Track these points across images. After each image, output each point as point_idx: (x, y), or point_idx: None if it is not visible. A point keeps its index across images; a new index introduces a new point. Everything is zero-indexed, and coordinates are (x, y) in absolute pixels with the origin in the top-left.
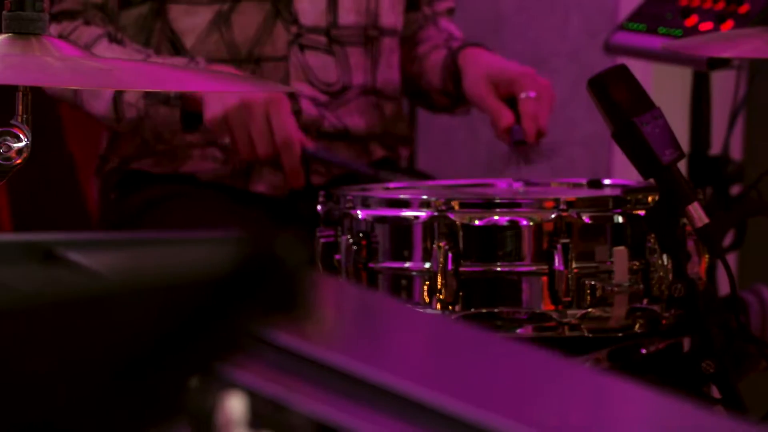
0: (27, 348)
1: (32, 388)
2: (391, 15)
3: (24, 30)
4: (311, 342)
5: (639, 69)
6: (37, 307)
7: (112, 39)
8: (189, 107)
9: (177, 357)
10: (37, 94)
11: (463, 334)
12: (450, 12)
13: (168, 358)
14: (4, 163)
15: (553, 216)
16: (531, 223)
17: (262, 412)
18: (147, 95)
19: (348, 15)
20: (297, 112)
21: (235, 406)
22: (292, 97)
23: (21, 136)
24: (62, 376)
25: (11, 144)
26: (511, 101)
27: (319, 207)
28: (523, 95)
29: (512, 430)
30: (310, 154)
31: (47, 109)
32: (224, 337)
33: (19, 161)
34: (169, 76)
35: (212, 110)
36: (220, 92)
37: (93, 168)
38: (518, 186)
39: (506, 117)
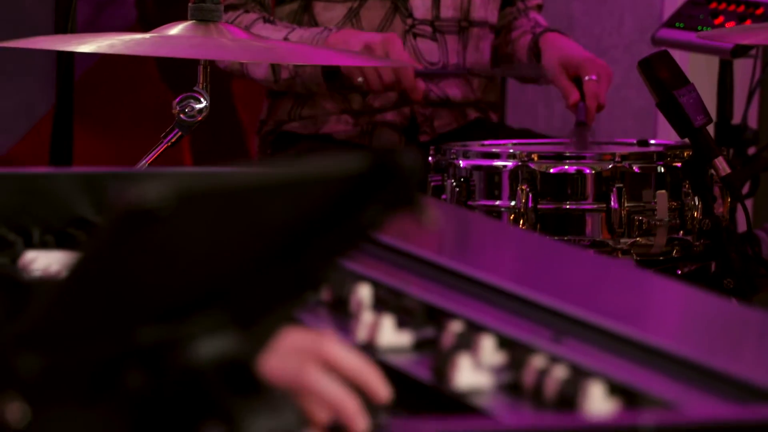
0: (208, 231)
1: (210, 264)
2: (481, 10)
3: (204, 18)
4: (422, 243)
5: (678, 57)
6: (216, 194)
7: (266, 20)
8: (330, 67)
9: (319, 244)
10: (214, 73)
11: (540, 243)
12: (539, 7)
13: (312, 244)
14: (189, 120)
15: (610, 166)
16: (593, 172)
17: (384, 298)
18: (296, 74)
19: (447, 10)
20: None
21: (363, 293)
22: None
23: (201, 99)
24: (233, 255)
25: (194, 105)
26: (578, 81)
27: (429, 158)
28: (586, 78)
29: (571, 311)
30: (421, 72)
31: (223, 86)
32: (354, 229)
33: (199, 119)
34: (313, 53)
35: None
36: (347, 41)
37: (255, 130)
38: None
39: (573, 95)
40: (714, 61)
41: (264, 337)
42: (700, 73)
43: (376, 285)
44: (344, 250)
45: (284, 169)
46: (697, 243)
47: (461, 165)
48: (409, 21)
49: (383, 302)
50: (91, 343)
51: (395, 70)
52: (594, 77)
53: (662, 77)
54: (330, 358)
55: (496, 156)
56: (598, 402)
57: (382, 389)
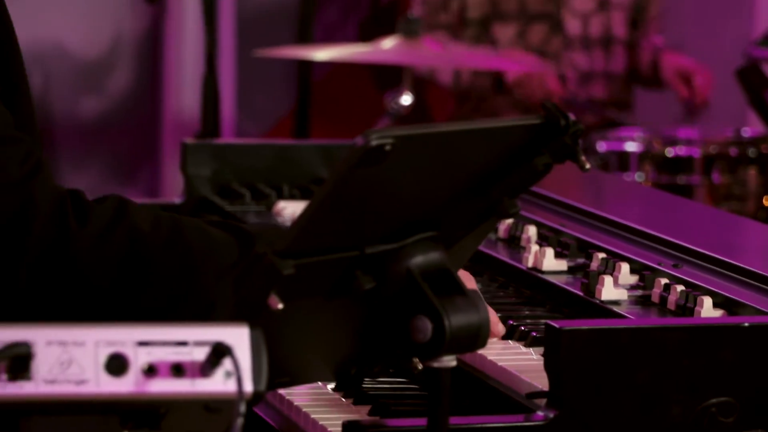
0: (421, 167)
1: (422, 195)
2: (619, 29)
3: (408, 33)
4: (575, 195)
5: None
6: (427, 137)
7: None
8: (497, 75)
9: (503, 182)
10: (414, 78)
11: (662, 196)
12: (658, 29)
13: (498, 182)
14: (396, 111)
15: (712, 150)
16: (700, 154)
17: (546, 235)
18: (474, 73)
19: (594, 29)
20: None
21: (531, 231)
22: (561, 78)
23: (406, 95)
24: (439, 189)
25: (400, 100)
26: (688, 83)
27: None
28: (694, 80)
29: (687, 244)
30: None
31: (420, 89)
32: (530, 171)
33: (405, 111)
34: (488, 60)
35: (511, 77)
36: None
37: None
38: (693, 133)
39: (683, 92)
40: None
41: (463, 253)
42: None
43: (539, 224)
44: (522, 189)
45: (477, 121)
46: None
47: (600, 149)
48: (564, 38)
49: (544, 238)
50: (332, 252)
51: (542, 83)
52: (700, 80)
53: (753, 82)
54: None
55: (627, 141)
56: (707, 311)
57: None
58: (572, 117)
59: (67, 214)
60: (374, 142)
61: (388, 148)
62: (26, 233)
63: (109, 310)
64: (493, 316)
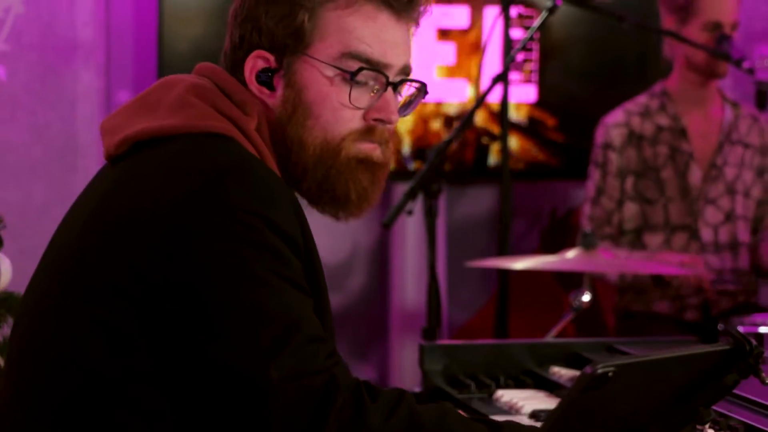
0: (634, 388)
1: (634, 408)
2: (744, 235)
3: (587, 246)
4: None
5: None
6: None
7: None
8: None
9: (699, 395)
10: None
11: None
12: None
13: (696, 394)
14: (578, 307)
15: None
16: None
17: (717, 420)
18: (635, 276)
19: (724, 237)
20: (705, 284)
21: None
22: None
23: (587, 294)
24: (649, 403)
25: (582, 297)
26: None
27: (719, 325)
28: None
29: None
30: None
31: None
32: (721, 386)
33: (585, 306)
34: (647, 265)
35: (668, 277)
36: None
37: (610, 311)
38: None
39: None
40: None
41: None
42: None
43: (720, 414)
44: (715, 400)
45: (680, 349)
46: None
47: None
48: (700, 244)
49: (717, 423)
50: None
51: (697, 279)
52: None
53: None
54: None
55: (760, 325)
56: None
57: None
58: (754, 342)
59: (362, 393)
60: (600, 371)
61: (610, 375)
62: (332, 406)
63: None
64: None
